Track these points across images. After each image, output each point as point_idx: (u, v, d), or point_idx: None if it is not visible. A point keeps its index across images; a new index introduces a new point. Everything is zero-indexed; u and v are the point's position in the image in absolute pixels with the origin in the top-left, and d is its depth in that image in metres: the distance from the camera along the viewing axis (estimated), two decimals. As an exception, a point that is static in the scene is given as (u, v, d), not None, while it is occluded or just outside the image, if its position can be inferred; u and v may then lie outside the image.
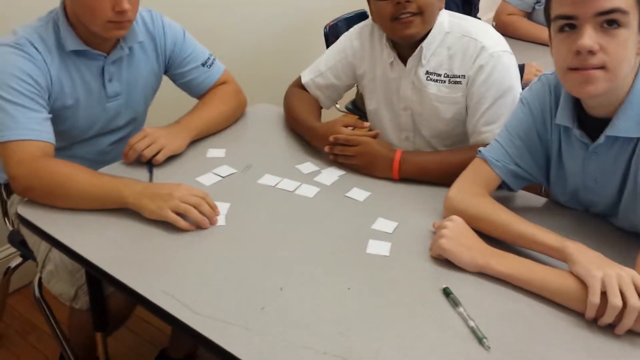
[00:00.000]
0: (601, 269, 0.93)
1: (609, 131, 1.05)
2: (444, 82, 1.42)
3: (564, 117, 1.12)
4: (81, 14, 1.33)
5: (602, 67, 0.98)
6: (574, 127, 1.11)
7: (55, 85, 1.37)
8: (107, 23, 1.32)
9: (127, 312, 1.53)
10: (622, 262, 0.97)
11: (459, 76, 1.41)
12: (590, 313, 0.93)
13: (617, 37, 0.96)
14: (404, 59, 1.46)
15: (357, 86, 1.68)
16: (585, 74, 0.98)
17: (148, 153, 1.40)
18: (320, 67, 1.62)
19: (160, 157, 1.40)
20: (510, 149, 1.20)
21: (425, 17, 1.36)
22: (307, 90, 1.64)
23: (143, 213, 1.20)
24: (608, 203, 1.16)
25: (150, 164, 1.41)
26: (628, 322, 0.91)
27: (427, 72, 1.43)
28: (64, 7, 1.38)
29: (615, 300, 0.90)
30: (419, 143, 1.56)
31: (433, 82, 1.44)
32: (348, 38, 1.59)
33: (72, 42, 1.37)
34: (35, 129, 1.29)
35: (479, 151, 1.24)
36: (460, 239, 1.09)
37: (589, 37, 0.96)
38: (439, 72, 1.43)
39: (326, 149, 1.42)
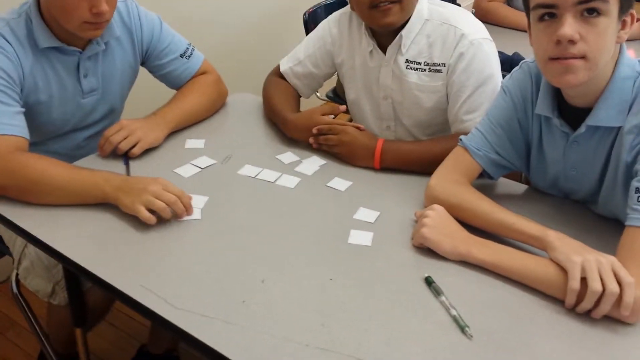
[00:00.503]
0: (580, 255, 0.93)
1: (590, 121, 1.05)
2: (424, 70, 1.41)
3: (543, 107, 1.12)
4: (57, 14, 1.29)
5: (583, 57, 0.97)
6: (554, 117, 1.11)
7: (27, 79, 1.33)
8: (84, 24, 1.28)
9: (106, 307, 1.51)
10: (602, 249, 0.97)
11: (439, 64, 1.40)
12: (571, 299, 0.94)
13: (597, 25, 0.96)
14: (383, 48, 1.44)
15: (337, 74, 1.66)
16: (565, 63, 0.98)
17: (124, 146, 1.37)
18: (299, 55, 1.60)
19: (136, 151, 1.37)
20: (491, 138, 1.20)
21: (404, 5, 1.34)
22: (286, 79, 1.62)
23: (119, 207, 1.18)
24: (588, 191, 1.16)
25: (126, 156, 1.38)
26: (605, 307, 0.92)
27: (407, 61, 1.42)
28: (37, 2, 1.33)
29: (595, 285, 0.90)
30: (400, 132, 1.55)
31: (413, 71, 1.42)
32: (326, 26, 1.57)
33: (45, 40, 1.33)
34: (6, 123, 1.24)
35: (460, 140, 1.23)
36: (441, 228, 1.08)
37: (570, 26, 0.95)
38: (419, 61, 1.42)
39: (310, 140, 1.41)
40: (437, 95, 1.43)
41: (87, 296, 1.40)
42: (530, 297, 0.99)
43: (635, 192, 0.98)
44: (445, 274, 1.04)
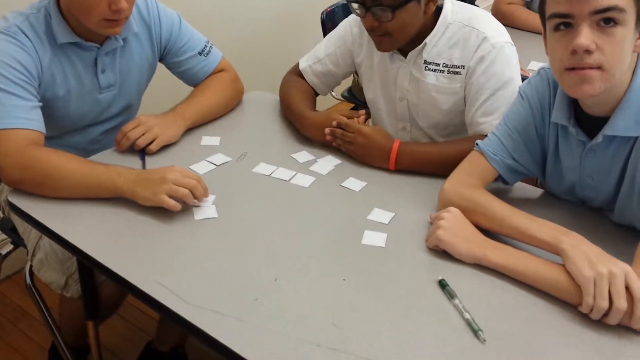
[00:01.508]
0: (593, 268, 0.92)
1: (607, 130, 1.04)
2: (443, 72, 1.41)
3: (560, 115, 1.11)
4: (76, 11, 1.29)
5: (599, 67, 0.95)
6: (571, 125, 1.10)
7: (45, 74, 1.34)
8: (103, 21, 1.29)
9: (118, 300, 1.51)
10: (618, 257, 0.96)
11: (459, 66, 1.39)
12: (585, 310, 0.94)
13: (614, 35, 0.94)
14: (403, 51, 1.44)
15: (354, 74, 1.66)
16: (582, 73, 0.96)
17: (142, 142, 1.37)
18: (319, 53, 1.60)
19: (153, 147, 1.38)
20: (508, 143, 1.19)
21: (395, 38, 1.35)
22: (304, 77, 1.62)
23: (138, 201, 1.19)
24: (604, 199, 1.15)
25: (142, 152, 1.39)
26: (613, 321, 0.92)
27: (426, 62, 1.42)
28: None
29: (602, 303, 0.91)
30: (416, 133, 1.54)
31: (432, 72, 1.42)
32: (348, 25, 1.57)
33: (63, 35, 1.34)
34: (23, 117, 1.25)
35: (477, 144, 1.22)
36: (457, 230, 1.08)
37: (586, 37, 0.93)
38: (438, 62, 1.41)
39: (326, 130, 1.40)
40: (455, 97, 1.42)
41: (101, 289, 1.41)
42: (545, 302, 0.99)
43: None
44: (459, 277, 1.04)
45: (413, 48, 1.41)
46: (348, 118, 1.41)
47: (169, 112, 1.48)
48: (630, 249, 1.00)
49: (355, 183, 1.32)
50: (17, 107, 1.25)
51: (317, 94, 1.65)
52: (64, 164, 1.22)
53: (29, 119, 1.27)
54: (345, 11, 2.38)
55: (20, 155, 1.21)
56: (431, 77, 1.42)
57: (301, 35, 2.99)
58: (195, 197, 1.18)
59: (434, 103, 1.45)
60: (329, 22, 2.34)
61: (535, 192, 1.31)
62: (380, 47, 1.39)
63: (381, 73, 1.51)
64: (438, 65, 1.41)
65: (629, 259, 0.97)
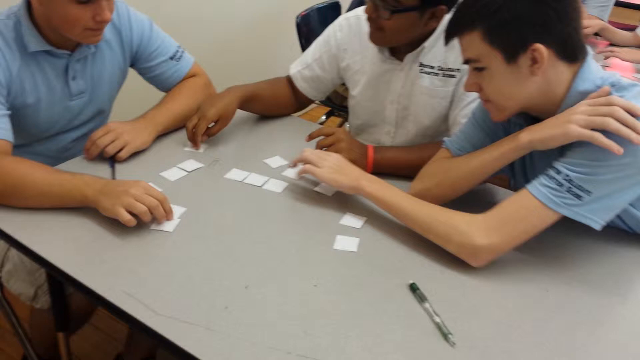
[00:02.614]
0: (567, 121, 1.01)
1: None
2: (438, 74, 1.41)
3: (517, 116, 1.14)
4: (58, 24, 1.28)
5: (488, 100, 1.10)
6: (525, 125, 1.12)
7: (15, 81, 1.31)
8: (86, 30, 1.28)
9: (89, 311, 1.49)
10: (588, 249, 0.99)
11: (454, 69, 1.39)
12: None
13: (484, 77, 1.08)
14: (397, 53, 1.44)
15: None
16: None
17: (111, 150, 1.35)
18: (307, 58, 1.60)
19: (123, 154, 1.36)
20: (474, 139, 1.21)
21: (387, 36, 1.35)
22: (294, 84, 1.62)
23: (99, 210, 1.16)
24: None
25: (112, 159, 1.37)
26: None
27: (421, 64, 1.42)
28: (27, 6, 1.31)
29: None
30: (399, 139, 1.54)
31: (426, 75, 1.42)
32: (332, 30, 1.57)
33: (34, 43, 1.31)
34: None
35: (443, 141, 1.24)
36: (337, 169, 1.20)
37: (467, 80, 1.11)
38: (433, 65, 1.41)
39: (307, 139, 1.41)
40: (446, 101, 1.42)
41: (70, 300, 1.39)
42: (514, 304, 0.99)
43: (551, 168, 1.03)
44: (430, 280, 1.04)
45: (410, 51, 1.41)
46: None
47: (139, 118, 1.46)
48: (602, 242, 1.02)
49: (328, 188, 1.31)
50: None
51: (309, 101, 1.65)
52: (31, 173, 1.19)
53: None
54: (320, 15, 2.38)
55: None
56: (425, 80, 1.42)
57: (276, 40, 2.99)
58: (155, 217, 1.15)
59: (425, 107, 1.45)
60: (304, 26, 2.34)
61: (508, 195, 1.32)
62: (372, 38, 1.38)
63: (371, 76, 1.50)
64: (433, 68, 1.41)
65: (601, 254, 0.97)
